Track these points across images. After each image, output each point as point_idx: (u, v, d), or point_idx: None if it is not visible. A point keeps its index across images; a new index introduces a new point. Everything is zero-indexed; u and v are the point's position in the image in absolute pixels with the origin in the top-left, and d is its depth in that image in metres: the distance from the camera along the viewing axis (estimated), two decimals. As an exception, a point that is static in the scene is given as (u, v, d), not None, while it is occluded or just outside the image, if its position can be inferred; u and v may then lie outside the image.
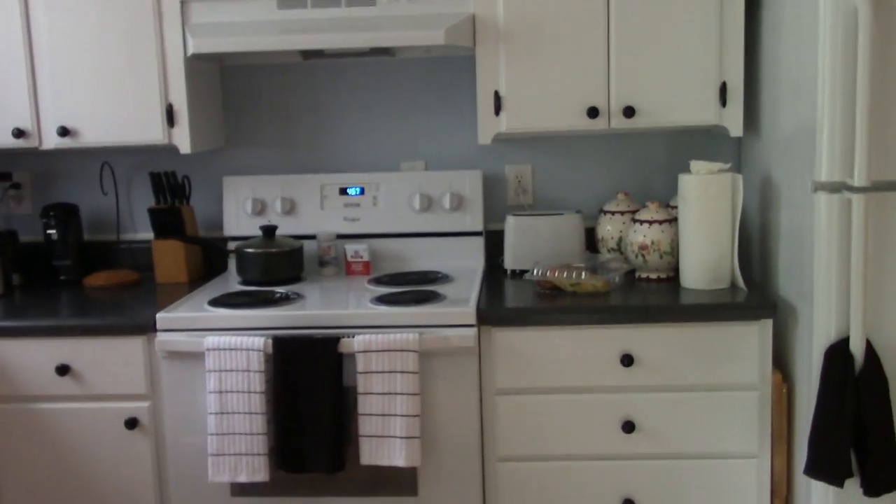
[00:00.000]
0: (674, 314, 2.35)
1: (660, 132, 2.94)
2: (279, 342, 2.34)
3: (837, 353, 2.12)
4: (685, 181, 2.51)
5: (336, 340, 2.33)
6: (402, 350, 2.31)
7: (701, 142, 2.95)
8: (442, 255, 2.95)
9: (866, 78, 2.03)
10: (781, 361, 2.43)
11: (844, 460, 2.10)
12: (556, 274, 2.53)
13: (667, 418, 2.39)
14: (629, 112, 2.58)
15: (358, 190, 2.96)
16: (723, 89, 2.57)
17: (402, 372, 2.31)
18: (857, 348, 2.11)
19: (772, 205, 2.53)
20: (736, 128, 2.60)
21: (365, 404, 2.33)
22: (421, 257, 2.96)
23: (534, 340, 2.39)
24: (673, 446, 2.40)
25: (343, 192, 2.96)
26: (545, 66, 2.60)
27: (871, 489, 2.11)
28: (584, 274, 2.50)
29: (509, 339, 2.39)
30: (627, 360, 2.35)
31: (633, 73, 2.58)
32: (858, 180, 2.06)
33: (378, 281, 2.76)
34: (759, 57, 2.62)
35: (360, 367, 2.32)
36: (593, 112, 2.59)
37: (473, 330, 2.35)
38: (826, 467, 2.12)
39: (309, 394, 2.33)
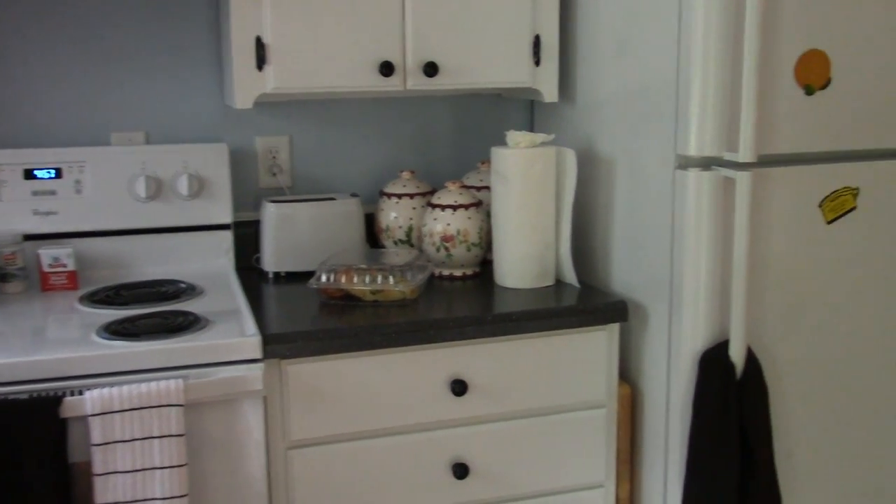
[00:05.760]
0: (514, 324, 1.87)
1: (439, 97, 2.44)
2: (-40, 411, 1.52)
3: (714, 360, 1.78)
4: (502, 156, 2.04)
5: (56, 400, 1.56)
6: (159, 405, 1.60)
7: (487, 108, 2.49)
8: (176, 258, 2.22)
9: (755, 32, 1.67)
10: (626, 371, 2.06)
11: (731, 489, 1.76)
12: (354, 279, 1.94)
13: (504, 454, 1.92)
14: (431, 69, 2.05)
15: (52, 172, 2.13)
16: (536, 44, 2.13)
17: (161, 437, 1.60)
18: (738, 355, 1.77)
19: (599, 183, 2.14)
20: (551, 91, 2.17)
21: (106, 489, 1.58)
22: (147, 261, 2.21)
23: (337, 372, 1.79)
24: (512, 488, 1.93)
25: (30, 174, 2.12)
26: (325, 7, 1.98)
27: (753, 518, 1.80)
28: (390, 278, 1.94)
29: (305, 374, 1.77)
30: (460, 388, 1.84)
31: (434, 23, 2.04)
32: (743, 155, 1.71)
33: (93, 299, 1.99)
34: (572, 8, 2.21)
35: (97, 436, 1.57)
36: (387, 68, 2.02)
37: (260, 366, 1.70)
38: (711, 499, 1.78)
39: (17, 482, 1.54)
